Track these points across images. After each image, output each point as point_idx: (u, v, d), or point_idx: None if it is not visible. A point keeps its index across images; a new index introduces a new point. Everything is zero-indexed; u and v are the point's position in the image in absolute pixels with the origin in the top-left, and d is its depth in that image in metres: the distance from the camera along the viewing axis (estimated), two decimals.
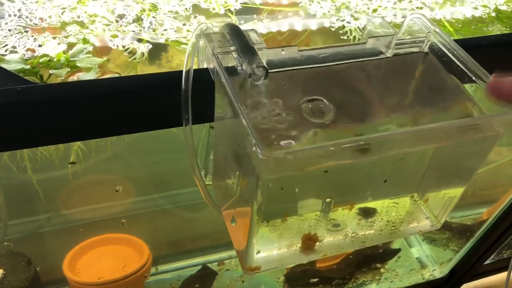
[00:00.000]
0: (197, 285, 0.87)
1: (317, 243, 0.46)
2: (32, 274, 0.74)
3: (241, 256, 0.46)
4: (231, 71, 0.42)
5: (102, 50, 0.55)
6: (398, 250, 1.02)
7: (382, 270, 1.02)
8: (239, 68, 0.42)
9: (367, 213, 0.48)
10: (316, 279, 0.94)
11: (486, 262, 1.11)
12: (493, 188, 1.05)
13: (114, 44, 0.55)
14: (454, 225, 1.09)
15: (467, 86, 0.46)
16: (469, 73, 0.43)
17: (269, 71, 0.40)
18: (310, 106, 0.43)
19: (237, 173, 0.45)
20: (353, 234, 0.47)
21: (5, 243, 0.75)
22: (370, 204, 0.48)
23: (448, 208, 0.49)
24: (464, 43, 0.45)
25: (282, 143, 0.38)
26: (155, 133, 0.84)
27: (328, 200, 0.46)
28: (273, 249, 0.45)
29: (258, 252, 0.44)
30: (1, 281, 0.72)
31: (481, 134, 0.41)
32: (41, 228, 0.87)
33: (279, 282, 0.96)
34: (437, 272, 1.06)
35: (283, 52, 0.43)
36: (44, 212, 0.87)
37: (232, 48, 0.41)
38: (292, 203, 0.46)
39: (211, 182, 0.54)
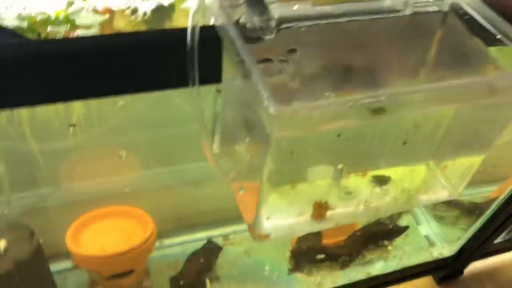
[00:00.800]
0: (201, 260, 0.86)
1: (329, 211, 0.44)
2: (35, 247, 0.72)
3: (250, 224, 0.44)
4: (240, 28, 0.39)
5: (105, 11, 0.52)
6: (406, 228, 1.00)
7: (389, 247, 1.00)
8: (249, 24, 0.39)
9: (381, 180, 0.46)
10: (323, 256, 0.92)
11: (495, 241, 1.10)
12: (505, 165, 1.02)
13: (116, 5, 0.52)
14: (463, 203, 1.07)
15: (492, 49, 0.43)
16: (497, 34, 0.40)
17: (281, 26, 0.38)
18: (323, 65, 0.40)
19: (247, 139, 0.43)
20: (367, 202, 0.45)
21: (5, 211, 0.74)
22: (384, 172, 0.46)
23: (466, 177, 0.47)
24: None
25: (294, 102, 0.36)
26: (162, 105, 0.82)
27: (340, 166, 0.44)
28: (282, 216, 0.43)
29: (268, 218, 0.42)
30: (4, 252, 0.71)
31: (502, 96, 0.39)
32: (43, 201, 0.85)
33: (285, 258, 0.95)
34: (446, 250, 1.05)
35: (295, 7, 0.40)
36: (47, 184, 0.86)
37: (241, 1, 0.38)
38: (303, 169, 0.44)
39: (218, 151, 0.52)
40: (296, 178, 0.44)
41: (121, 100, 0.74)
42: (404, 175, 0.47)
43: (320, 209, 0.43)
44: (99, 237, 0.79)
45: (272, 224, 0.43)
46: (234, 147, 0.48)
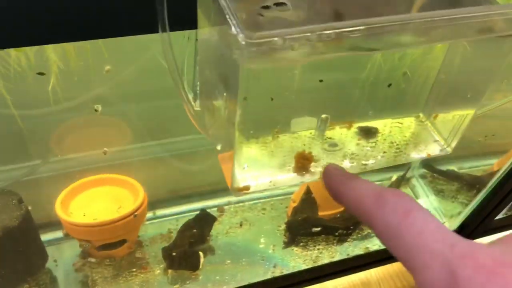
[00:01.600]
0: (195, 230, 0.84)
1: (312, 163, 0.42)
2: (24, 213, 0.71)
3: (229, 177, 0.42)
4: None
5: None
6: None
7: None
8: None
9: (368, 132, 0.44)
10: (319, 228, 0.91)
11: (497, 217, 1.07)
12: (505, 137, 1.00)
13: None
14: (463, 176, 1.05)
15: None
16: None
17: None
18: (309, 14, 0.38)
19: (224, 94, 0.41)
20: (353, 155, 0.43)
21: None
22: (371, 123, 0.44)
23: (458, 131, 0.45)
24: None
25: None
26: (152, 74, 0.80)
27: (323, 116, 0.42)
28: (263, 168, 0.42)
29: (245, 169, 0.40)
30: None
31: (497, 31, 0.36)
32: (32, 173, 0.84)
33: (279, 230, 0.93)
34: (446, 225, 1.03)
35: None
36: (34, 155, 0.85)
37: None
38: (285, 119, 0.42)
39: (199, 107, 0.50)
40: (278, 128, 0.42)
41: (107, 65, 0.72)
42: (393, 128, 0.45)
43: (303, 161, 0.41)
44: (89, 205, 0.78)
45: (252, 175, 0.41)
46: (213, 103, 0.46)
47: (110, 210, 0.78)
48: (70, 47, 0.63)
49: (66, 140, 0.83)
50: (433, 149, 0.46)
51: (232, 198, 0.96)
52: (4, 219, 0.70)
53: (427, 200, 1.06)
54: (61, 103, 0.72)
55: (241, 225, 0.92)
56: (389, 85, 0.41)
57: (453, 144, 0.46)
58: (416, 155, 0.45)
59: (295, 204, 0.91)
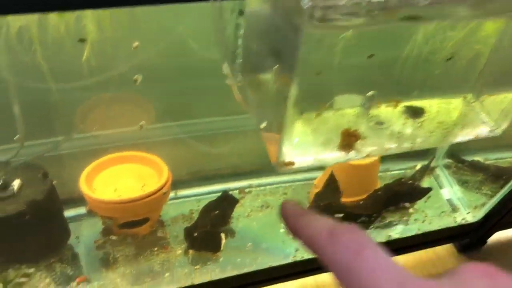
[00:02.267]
0: (216, 212, 0.84)
1: (359, 141, 0.40)
2: (49, 187, 0.71)
3: (274, 152, 0.41)
4: None
5: None
6: (429, 190, 0.96)
7: (410, 210, 0.97)
8: None
9: (414, 112, 0.42)
10: (342, 215, 0.89)
11: None
12: None
13: None
14: (488, 167, 1.03)
15: None
16: None
17: None
18: None
19: (276, 67, 0.39)
20: (400, 134, 0.42)
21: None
22: (417, 103, 0.43)
23: (509, 113, 0.43)
24: None
25: None
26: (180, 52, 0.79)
27: (370, 93, 0.40)
28: (308, 145, 0.40)
29: (292, 145, 0.39)
30: (17, 192, 0.70)
31: None
32: (57, 148, 0.84)
33: None
34: (469, 216, 1.01)
35: None
36: (60, 131, 0.84)
37: None
38: (329, 96, 0.41)
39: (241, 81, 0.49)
40: (322, 106, 0.41)
41: (136, 41, 0.71)
42: (440, 108, 0.43)
43: (349, 138, 0.40)
44: (114, 182, 0.78)
45: (297, 152, 0.40)
46: (259, 77, 0.45)
47: (134, 187, 0.77)
48: (107, 18, 0.62)
49: (91, 116, 0.82)
50: (481, 131, 0.44)
51: (254, 181, 0.95)
52: (29, 193, 0.70)
53: (451, 190, 1.04)
54: (90, 78, 0.71)
55: (262, 209, 0.91)
56: (448, 59, 0.39)
57: (503, 126, 0.44)
58: (464, 136, 0.44)
59: (317, 190, 0.90)
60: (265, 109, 0.39)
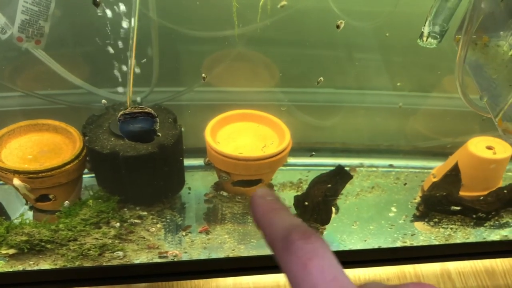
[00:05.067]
0: (328, 185, 0.81)
1: None
2: (178, 133, 0.72)
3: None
4: None
5: None
6: None
7: None
8: None
9: None
10: (458, 208, 0.84)
11: None
12: None
13: None
14: None
15: None
16: None
17: None
18: None
19: None
20: None
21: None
22: None
23: None
24: None
25: None
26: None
27: None
28: None
29: None
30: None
31: None
32: (177, 96, 0.85)
33: (413, 202, 0.88)
34: None
35: None
36: (185, 81, 0.86)
37: None
38: None
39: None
40: None
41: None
42: None
43: None
44: (236, 138, 0.77)
45: None
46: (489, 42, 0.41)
47: (254, 147, 0.77)
48: None
49: (217, 71, 0.82)
50: None
51: (365, 161, 0.92)
52: (160, 137, 0.71)
53: None
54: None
55: (372, 190, 0.88)
56: None
57: None
58: None
59: (435, 179, 0.85)
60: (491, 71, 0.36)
